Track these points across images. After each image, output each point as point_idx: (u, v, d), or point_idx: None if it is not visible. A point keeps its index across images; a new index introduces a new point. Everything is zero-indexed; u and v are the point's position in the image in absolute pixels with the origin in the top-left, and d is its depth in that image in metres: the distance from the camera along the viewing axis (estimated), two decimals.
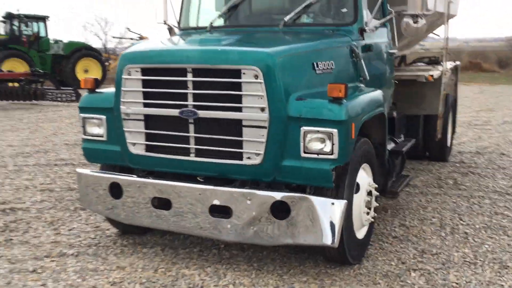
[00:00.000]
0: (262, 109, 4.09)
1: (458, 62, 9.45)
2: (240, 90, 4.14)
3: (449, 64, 8.82)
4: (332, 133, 3.97)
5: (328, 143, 4.00)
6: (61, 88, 18.60)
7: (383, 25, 5.75)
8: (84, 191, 4.99)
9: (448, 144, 8.90)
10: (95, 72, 24.67)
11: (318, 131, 4.02)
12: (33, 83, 17.83)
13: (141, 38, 25.95)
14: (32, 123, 13.78)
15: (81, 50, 25.74)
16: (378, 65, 5.52)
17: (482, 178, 7.62)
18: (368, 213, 4.65)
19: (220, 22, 5.66)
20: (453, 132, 9.54)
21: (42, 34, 24.94)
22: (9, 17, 23.60)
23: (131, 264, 4.65)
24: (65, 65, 24.70)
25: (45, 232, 5.54)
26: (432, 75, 7.13)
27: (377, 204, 4.81)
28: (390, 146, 5.79)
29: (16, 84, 17.60)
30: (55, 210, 6.28)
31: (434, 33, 9.34)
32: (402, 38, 7.19)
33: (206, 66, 4.24)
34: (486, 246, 5.04)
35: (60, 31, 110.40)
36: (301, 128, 4.06)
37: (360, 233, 4.65)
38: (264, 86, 4.06)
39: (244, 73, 4.11)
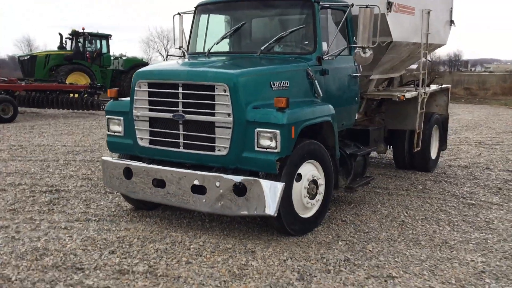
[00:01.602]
0: (228, 115, 5.62)
1: (448, 85, 10.63)
2: (214, 100, 5.69)
3: (435, 87, 10.07)
4: (276, 133, 5.46)
5: (274, 140, 5.48)
6: None
7: (349, 53, 7.17)
8: (106, 173, 6.68)
9: (433, 157, 10.07)
10: None
11: (267, 132, 5.51)
12: (91, 95, 20.02)
13: None
14: (86, 129, 15.85)
15: (139, 66, 27.79)
16: (337, 86, 6.92)
17: (451, 185, 8.79)
18: (312, 198, 6.04)
19: (218, 48, 7.25)
20: (443, 147, 10.66)
21: (104, 50, 27.28)
22: (75, 34, 26.07)
23: (135, 227, 6.26)
24: (124, 79, 26.90)
25: (79, 206, 7.23)
26: (404, 95, 8.43)
27: (322, 192, 6.20)
28: (350, 150, 7.14)
29: (76, 95, 19.83)
30: (90, 192, 7.99)
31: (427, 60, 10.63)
32: (383, 64, 8.60)
33: (191, 82, 5.83)
34: (413, 230, 6.32)
35: (125, 45, 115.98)
36: (255, 129, 5.56)
37: (305, 214, 6.05)
38: (230, 97, 5.59)
39: (216, 88, 5.66)
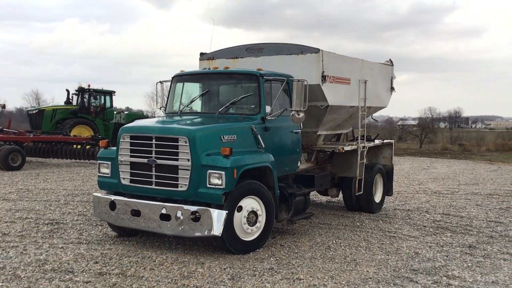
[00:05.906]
0: (188, 160, 7.51)
1: (391, 141, 12.57)
2: (177, 149, 7.59)
3: (377, 142, 12.00)
4: (222, 174, 7.33)
5: (220, 179, 7.34)
6: None
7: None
8: (96, 206, 8.51)
9: (377, 200, 11.84)
10: None
11: (215, 173, 7.38)
12: (93, 146, 22.00)
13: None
14: (86, 176, 17.73)
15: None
16: (278, 139, 8.81)
17: (385, 223, 10.54)
18: (252, 225, 7.82)
19: (192, 106, 9.26)
20: (388, 193, 12.44)
21: (108, 105, 29.33)
22: (81, 90, 28.27)
23: (116, 247, 8.03)
24: None
25: (74, 234, 9.02)
26: (343, 148, 10.33)
27: (261, 221, 7.98)
28: (291, 190, 8.95)
29: (79, 146, 21.83)
30: (84, 225, 9.78)
31: (373, 118, 12.65)
32: (327, 123, 10.53)
33: (161, 135, 7.76)
34: (334, 252, 8.05)
35: (131, 100, 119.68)
36: (208, 171, 7.43)
37: (247, 237, 7.81)
38: (189, 147, 7.49)
39: (179, 140, 7.57)
